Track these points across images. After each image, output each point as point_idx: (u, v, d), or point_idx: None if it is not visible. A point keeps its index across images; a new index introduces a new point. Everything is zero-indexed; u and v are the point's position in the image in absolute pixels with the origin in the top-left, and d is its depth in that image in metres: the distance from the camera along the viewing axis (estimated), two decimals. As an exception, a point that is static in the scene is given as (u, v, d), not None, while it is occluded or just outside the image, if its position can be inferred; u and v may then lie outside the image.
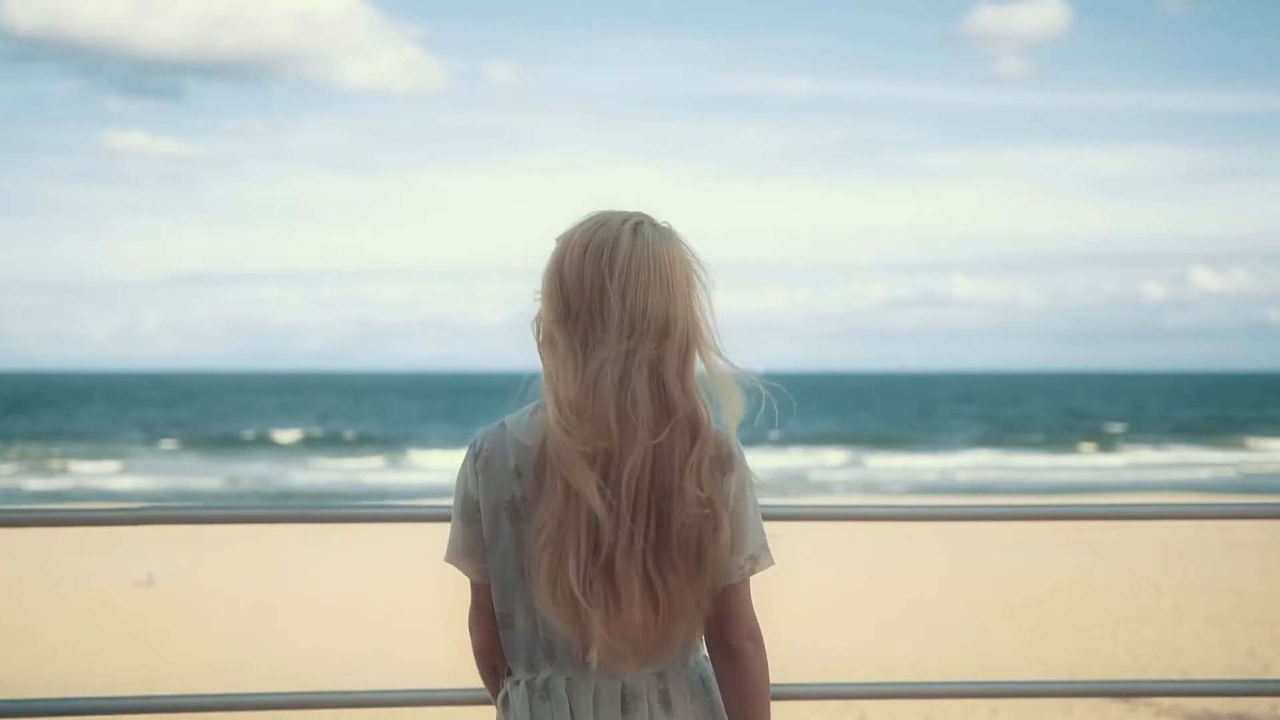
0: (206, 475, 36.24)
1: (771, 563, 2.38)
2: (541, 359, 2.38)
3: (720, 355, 2.36)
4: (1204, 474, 36.14)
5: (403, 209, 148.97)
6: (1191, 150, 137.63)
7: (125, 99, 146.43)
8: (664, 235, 2.38)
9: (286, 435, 50.11)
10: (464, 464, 2.45)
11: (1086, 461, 41.61)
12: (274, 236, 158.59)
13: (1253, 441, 47.65)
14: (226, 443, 47.62)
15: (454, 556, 2.48)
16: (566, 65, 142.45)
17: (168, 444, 46.94)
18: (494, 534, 2.39)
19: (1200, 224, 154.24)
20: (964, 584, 13.34)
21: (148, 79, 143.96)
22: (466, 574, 2.47)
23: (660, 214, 2.40)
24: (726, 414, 2.35)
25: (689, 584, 2.28)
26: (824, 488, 31.51)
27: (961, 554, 15.11)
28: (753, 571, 2.36)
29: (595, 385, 2.28)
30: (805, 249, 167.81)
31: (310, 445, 46.87)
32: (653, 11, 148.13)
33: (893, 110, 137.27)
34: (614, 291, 2.31)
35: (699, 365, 2.36)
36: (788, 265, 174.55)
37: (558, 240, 2.41)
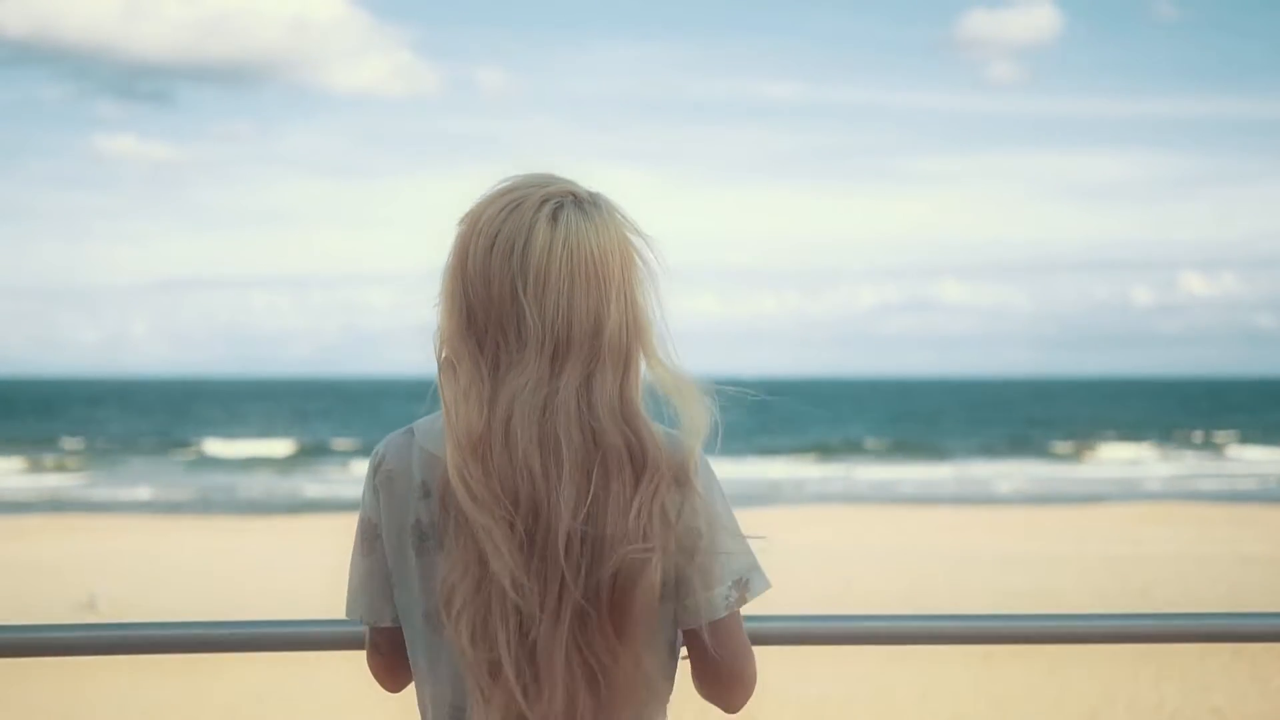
0: (183, 485, 35.56)
1: (767, 585, 1.96)
2: (440, 388, 1.92)
3: (671, 358, 1.94)
4: (1200, 484, 35.59)
5: (392, 214, 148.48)
6: (1181, 155, 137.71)
7: (115, 103, 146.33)
8: (592, 216, 1.93)
9: (273, 443, 49.31)
10: (366, 480, 2.02)
11: (1082, 471, 41.03)
12: (263, 241, 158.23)
13: (1245, 448, 47.31)
14: (209, 450, 46.96)
15: (355, 606, 2.04)
16: (556, 70, 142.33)
17: (145, 452, 46.29)
18: (400, 567, 1.98)
19: (1189, 229, 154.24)
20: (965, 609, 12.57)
21: (138, 83, 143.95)
22: (369, 622, 2.04)
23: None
24: (686, 424, 1.92)
25: (629, 650, 1.86)
26: (825, 498, 30.77)
27: (961, 575, 14.38)
28: (741, 601, 1.94)
29: (509, 422, 1.85)
30: (795, 254, 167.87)
31: (298, 453, 46.15)
32: (643, 17, 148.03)
33: (884, 115, 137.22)
34: (529, 301, 1.87)
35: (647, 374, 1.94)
36: (778, 270, 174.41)
37: (462, 223, 1.95)
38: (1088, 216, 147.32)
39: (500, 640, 1.84)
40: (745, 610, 1.97)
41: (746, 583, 1.94)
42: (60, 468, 39.93)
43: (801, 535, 18.55)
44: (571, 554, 1.83)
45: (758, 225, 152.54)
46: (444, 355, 1.92)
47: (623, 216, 1.96)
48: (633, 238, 1.95)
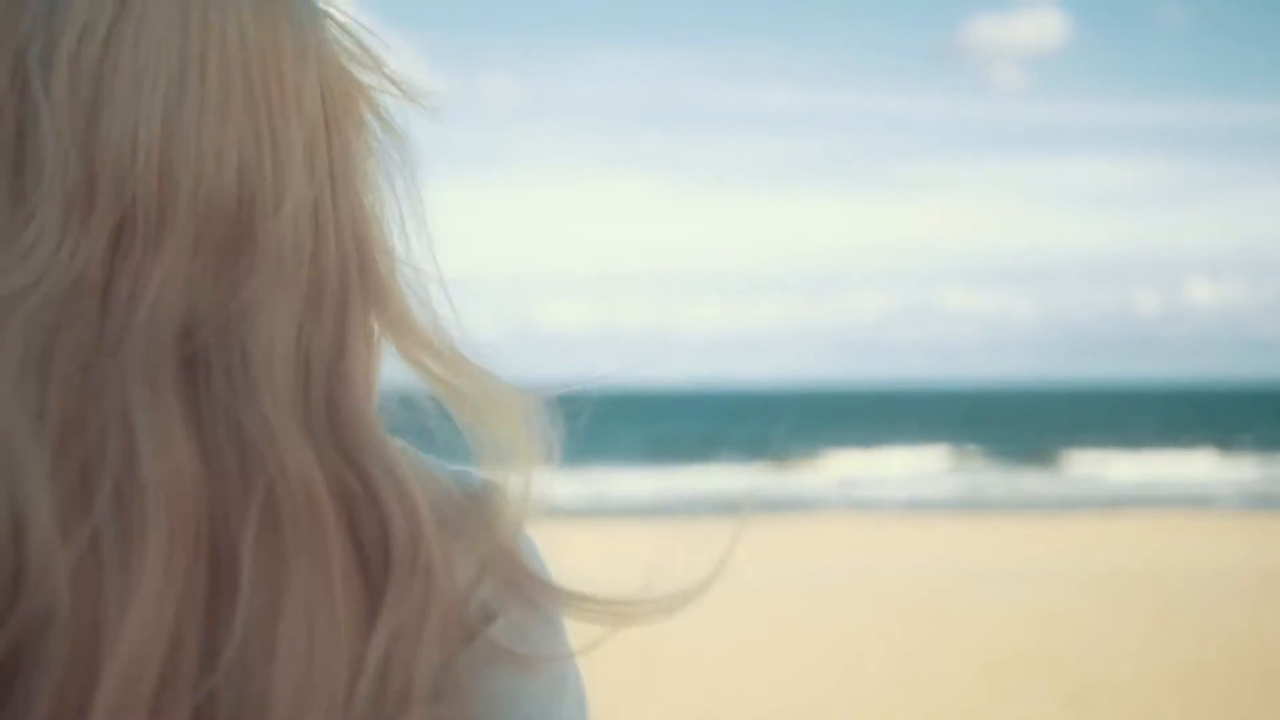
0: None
1: None
2: None
3: (437, 326, 0.88)
4: (1211, 492, 35.01)
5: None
6: (1186, 161, 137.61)
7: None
8: None
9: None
10: None
11: (1090, 480, 40.53)
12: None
13: (1254, 456, 46.92)
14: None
15: None
16: (561, 77, 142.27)
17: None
18: None
19: (1195, 235, 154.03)
20: (974, 631, 11.86)
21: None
22: None
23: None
24: (486, 450, 0.85)
25: None
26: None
27: (969, 589, 13.63)
28: None
29: None
30: (798, 260, 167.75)
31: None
32: (647, 24, 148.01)
33: (888, 121, 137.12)
34: (56, 105, 0.74)
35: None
36: (781, 277, 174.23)
37: None
38: (1092, 222, 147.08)
39: None
40: None
41: None
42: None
43: (801, 545, 17.89)
44: None
45: (760, 232, 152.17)
46: None
47: (344, 15, 0.86)
48: (359, 71, 0.86)
